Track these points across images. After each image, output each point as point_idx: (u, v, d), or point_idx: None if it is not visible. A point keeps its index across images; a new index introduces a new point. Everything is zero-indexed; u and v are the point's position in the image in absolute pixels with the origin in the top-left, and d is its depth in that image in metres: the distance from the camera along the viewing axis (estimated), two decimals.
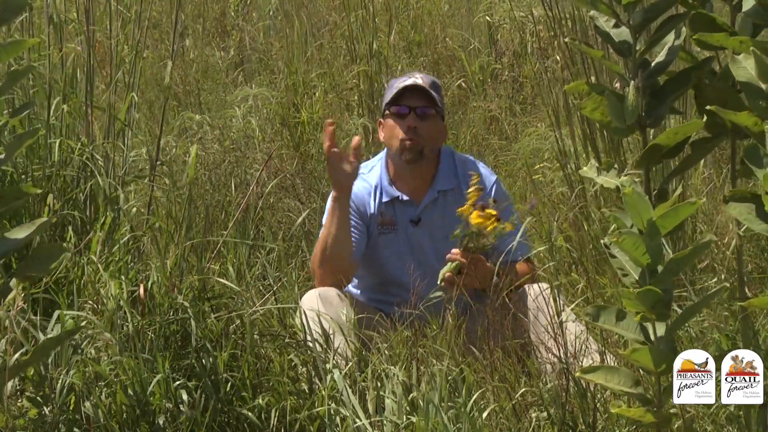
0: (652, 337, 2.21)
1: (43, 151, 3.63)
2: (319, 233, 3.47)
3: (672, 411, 2.38)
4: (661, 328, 2.22)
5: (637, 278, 2.18)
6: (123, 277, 2.98)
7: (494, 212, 3.25)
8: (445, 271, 3.31)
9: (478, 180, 3.32)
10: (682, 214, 2.12)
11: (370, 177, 3.58)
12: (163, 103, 3.57)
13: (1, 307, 2.44)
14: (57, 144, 3.62)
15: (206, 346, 2.90)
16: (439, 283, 3.32)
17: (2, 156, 2.38)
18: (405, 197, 3.54)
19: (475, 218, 3.24)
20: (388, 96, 3.56)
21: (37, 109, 3.74)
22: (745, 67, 2.13)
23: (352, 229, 3.47)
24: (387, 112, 3.56)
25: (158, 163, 3.56)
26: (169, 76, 3.33)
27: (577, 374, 2.35)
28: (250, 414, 2.83)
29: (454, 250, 3.30)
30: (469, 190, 3.29)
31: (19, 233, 2.36)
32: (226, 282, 3.09)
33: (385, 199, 3.55)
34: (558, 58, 5.33)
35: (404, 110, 3.51)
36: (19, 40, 3.30)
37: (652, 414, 2.23)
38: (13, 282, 2.35)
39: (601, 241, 2.26)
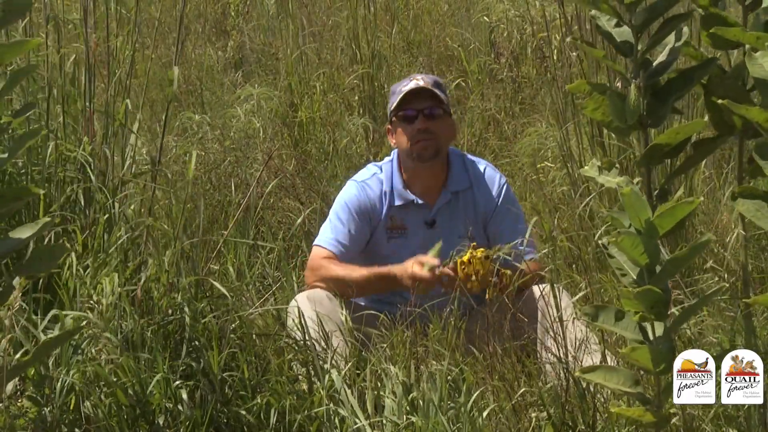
0: (651, 337, 2.21)
1: (42, 153, 3.62)
2: (349, 270, 3.39)
3: (672, 411, 2.38)
4: (659, 328, 2.21)
5: (635, 278, 2.17)
6: (117, 276, 2.98)
7: (480, 253, 3.22)
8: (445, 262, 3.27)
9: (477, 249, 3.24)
10: (679, 213, 2.12)
11: (383, 179, 3.56)
12: (167, 107, 3.56)
13: (1, 307, 2.43)
14: (53, 145, 3.61)
15: (203, 345, 2.89)
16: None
17: (5, 155, 2.37)
18: (419, 201, 3.53)
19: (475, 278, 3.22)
20: (394, 101, 3.55)
21: (39, 111, 3.74)
22: (762, 65, 2.12)
23: (354, 234, 3.46)
24: (394, 118, 3.55)
25: (158, 162, 3.55)
26: (176, 81, 3.31)
27: (577, 374, 2.35)
28: (246, 415, 2.83)
29: (445, 269, 3.25)
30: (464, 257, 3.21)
31: (23, 233, 2.36)
32: (217, 284, 3.08)
33: (397, 203, 3.53)
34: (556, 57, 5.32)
35: (412, 113, 3.50)
36: (21, 40, 3.30)
37: (651, 414, 2.22)
38: (16, 281, 2.35)
39: (599, 242, 2.25)
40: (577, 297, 3.20)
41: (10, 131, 3.40)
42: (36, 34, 3.96)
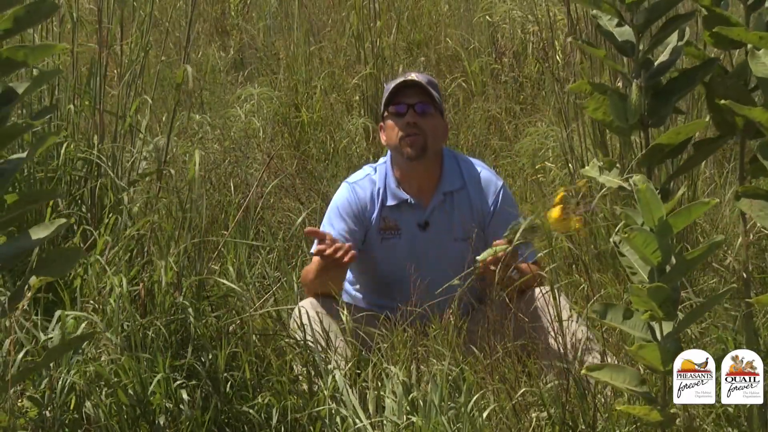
0: (659, 336, 2.20)
1: (48, 152, 3.62)
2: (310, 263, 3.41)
3: (672, 411, 2.38)
4: (667, 327, 2.21)
5: (646, 277, 2.16)
6: (123, 276, 2.98)
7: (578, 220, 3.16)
8: (484, 256, 3.16)
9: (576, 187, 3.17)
10: (694, 213, 2.11)
11: (376, 180, 3.54)
12: (173, 107, 3.56)
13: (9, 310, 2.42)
14: (64, 146, 3.61)
15: (205, 346, 2.89)
16: (477, 264, 3.18)
17: (24, 155, 2.34)
18: (413, 200, 3.50)
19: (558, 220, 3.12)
20: (385, 97, 3.54)
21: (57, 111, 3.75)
22: (765, 63, 2.13)
23: (347, 236, 3.44)
24: (385, 113, 3.54)
25: (164, 162, 3.55)
26: (191, 78, 3.31)
27: (583, 371, 2.34)
28: (251, 411, 2.83)
29: (499, 241, 3.15)
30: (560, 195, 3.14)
31: (38, 233, 2.32)
32: (226, 282, 3.08)
33: (390, 203, 3.50)
34: (559, 57, 5.32)
35: (402, 108, 3.48)
36: (47, 44, 3.29)
37: (658, 412, 2.22)
38: (33, 279, 2.32)
39: (611, 239, 2.24)
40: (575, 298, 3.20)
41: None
42: (47, 34, 3.96)
